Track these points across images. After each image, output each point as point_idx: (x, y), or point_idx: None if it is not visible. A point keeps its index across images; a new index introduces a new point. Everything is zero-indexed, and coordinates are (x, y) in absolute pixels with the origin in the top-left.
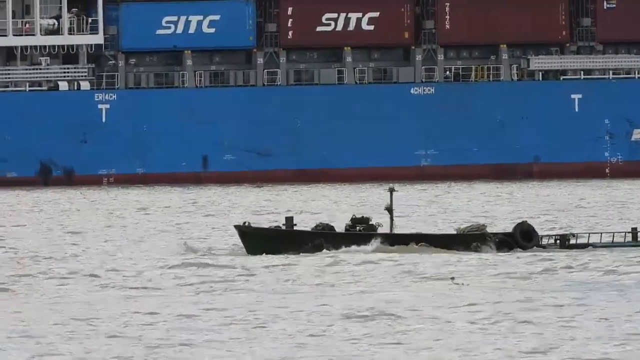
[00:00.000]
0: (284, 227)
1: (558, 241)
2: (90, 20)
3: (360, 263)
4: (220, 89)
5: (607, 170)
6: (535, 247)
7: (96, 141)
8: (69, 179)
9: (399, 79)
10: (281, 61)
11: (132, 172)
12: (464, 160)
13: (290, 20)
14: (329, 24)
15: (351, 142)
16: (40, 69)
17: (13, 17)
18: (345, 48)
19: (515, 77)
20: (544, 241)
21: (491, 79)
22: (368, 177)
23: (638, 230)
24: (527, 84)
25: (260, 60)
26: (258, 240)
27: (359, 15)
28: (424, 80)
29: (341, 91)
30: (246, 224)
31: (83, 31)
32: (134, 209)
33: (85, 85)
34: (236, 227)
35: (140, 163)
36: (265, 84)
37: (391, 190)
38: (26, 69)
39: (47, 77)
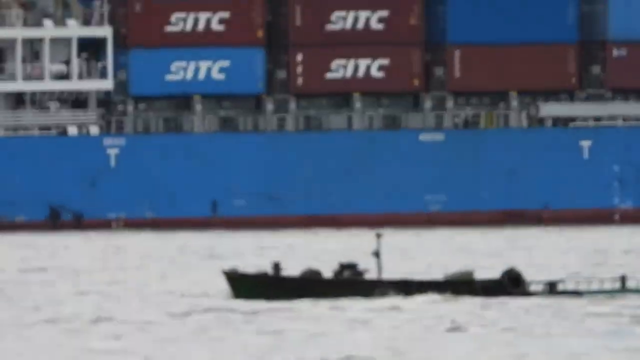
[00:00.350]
0: (271, 272)
1: (546, 288)
2: (99, 65)
3: (357, 310)
4: (229, 134)
5: (616, 217)
6: (523, 294)
7: (105, 185)
8: (78, 223)
9: (408, 125)
10: (291, 107)
11: (141, 216)
12: (473, 206)
13: (300, 66)
14: (338, 71)
15: (361, 187)
16: (49, 113)
17: (22, 62)
18: (355, 94)
19: (524, 124)
20: (532, 287)
21: (501, 125)
22: (377, 222)
23: (626, 277)
24: (536, 131)
25: (270, 107)
26: (245, 285)
27: (369, 62)
28: (433, 126)
29: (350, 137)
30: (234, 269)
31: (92, 76)
32: (138, 254)
33: (94, 130)
34: (224, 272)
35: (149, 207)
36: (275, 130)
37: (378, 235)
38: (35, 114)
39: (57, 121)
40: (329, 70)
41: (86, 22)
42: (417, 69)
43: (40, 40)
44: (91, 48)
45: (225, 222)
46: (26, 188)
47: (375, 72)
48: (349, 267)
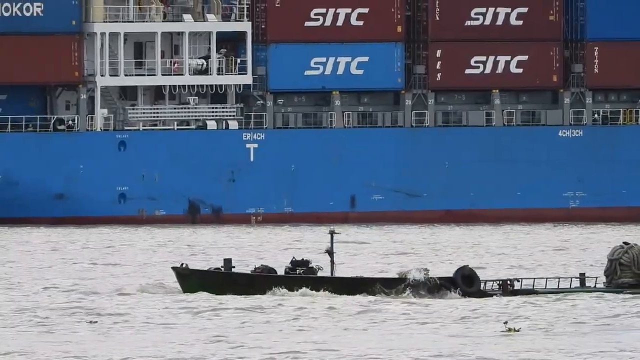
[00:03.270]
0: (222, 269)
1: (500, 287)
2: (239, 60)
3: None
4: (368, 130)
5: None
6: (476, 293)
7: (244, 180)
8: (217, 218)
9: (547, 122)
10: (429, 103)
11: (280, 211)
12: (613, 203)
13: (439, 62)
14: (477, 67)
15: (499, 183)
16: (188, 108)
17: (162, 57)
18: (494, 91)
19: None
20: (487, 286)
21: None
22: (516, 218)
23: (586, 275)
24: None
25: (408, 102)
26: (195, 282)
27: (508, 58)
28: (572, 123)
29: (489, 133)
30: (184, 265)
31: (231, 71)
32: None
33: (233, 125)
34: (173, 268)
35: (288, 202)
36: (414, 125)
37: (332, 233)
38: (175, 108)
39: (196, 116)
40: (468, 66)
41: (226, 17)
42: (556, 66)
43: (180, 35)
44: (230, 44)
45: (363, 217)
46: (166, 182)
47: (514, 69)
48: (302, 265)
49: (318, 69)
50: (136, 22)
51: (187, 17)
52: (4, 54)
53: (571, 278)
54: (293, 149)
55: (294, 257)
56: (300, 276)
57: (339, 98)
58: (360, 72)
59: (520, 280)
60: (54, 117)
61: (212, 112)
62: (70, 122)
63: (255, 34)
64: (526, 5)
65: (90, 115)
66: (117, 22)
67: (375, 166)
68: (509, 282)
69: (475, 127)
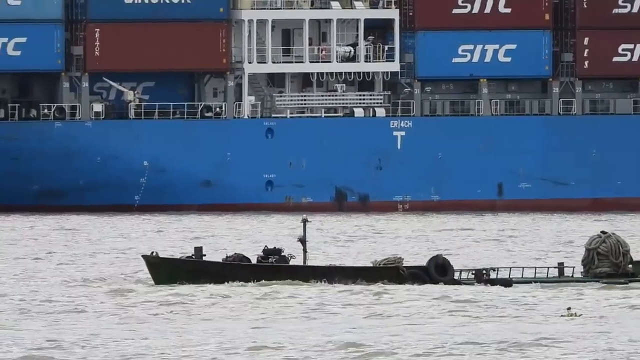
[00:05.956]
0: (193, 257)
1: (474, 276)
2: (386, 47)
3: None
4: (515, 118)
5: None
6: (450, 282)
7: (391, 168)
8: (364, 205)
9: None
10: (577, 91)
11: (427, 199)
12: None
13: (587, 50)
14: (625, 55)
15: None
16: (336, 95)
17: (309, 44)
18: None
19: None
20: (462, 276)
21: None
22: None
23: (564, 266)
24: None
25: (555, 90)
26: (165, 270)
27: None
28: None
29: (637, 121)
30: (154, 254)
31: (379, 59)
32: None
33: (380, 112)
34: (144, 257)
35: (435, 190)
36: (561, 113)
37: (304, 221)
38: (322, 95)
39: (343, 103)
40: (616, 54)
41: (373, 4)
42: None
43: (328, 22)
44: (378, 31)
45: (510, 205)
46: (313, 170)
47: None
48: (274, 253)
49: (466, 56)
50: (284, 9)
51: (334, 4)
52: (152, 42)
53: (548, 268)
54: (440, 136)
55: (266, 246)
56: (277, 265)
57: (486, 86)
58: (508, 59)
59: (496, 269)
60: (201, 104)
61: (360, 99)
62: (217, 109)
63: (403, 22)
64: None
65: (237, 103)
66: (264, 9)
67: (522, 154)
68: (484, 271)
69: (622, 115)
